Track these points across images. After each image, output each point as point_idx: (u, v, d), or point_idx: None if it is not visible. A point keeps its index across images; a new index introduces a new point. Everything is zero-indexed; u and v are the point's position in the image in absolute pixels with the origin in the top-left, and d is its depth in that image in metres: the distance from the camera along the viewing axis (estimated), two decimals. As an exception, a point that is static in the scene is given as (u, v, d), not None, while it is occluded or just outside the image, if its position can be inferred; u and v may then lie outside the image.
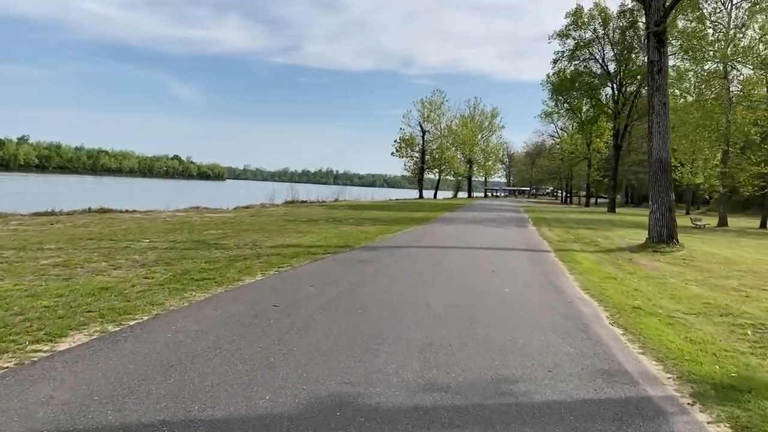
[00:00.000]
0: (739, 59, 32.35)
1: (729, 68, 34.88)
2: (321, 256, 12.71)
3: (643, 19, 49.04)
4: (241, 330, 6.07)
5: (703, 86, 36.10)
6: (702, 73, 36.51)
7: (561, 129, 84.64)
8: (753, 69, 33.51)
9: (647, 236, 18.24)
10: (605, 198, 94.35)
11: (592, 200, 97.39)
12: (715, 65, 35.71)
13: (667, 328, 7.22)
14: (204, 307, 7.11)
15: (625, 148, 72.77)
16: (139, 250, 12.50)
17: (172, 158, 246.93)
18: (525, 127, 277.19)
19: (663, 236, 17.57)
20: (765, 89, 34.95)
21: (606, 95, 55.06)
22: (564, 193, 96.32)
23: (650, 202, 18.14)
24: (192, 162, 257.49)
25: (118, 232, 16.28)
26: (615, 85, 51.05)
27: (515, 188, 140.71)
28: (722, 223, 35.23)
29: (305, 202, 48.02)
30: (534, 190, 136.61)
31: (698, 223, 33.60)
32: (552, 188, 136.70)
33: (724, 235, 28.45)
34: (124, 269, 9.71)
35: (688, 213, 54.88)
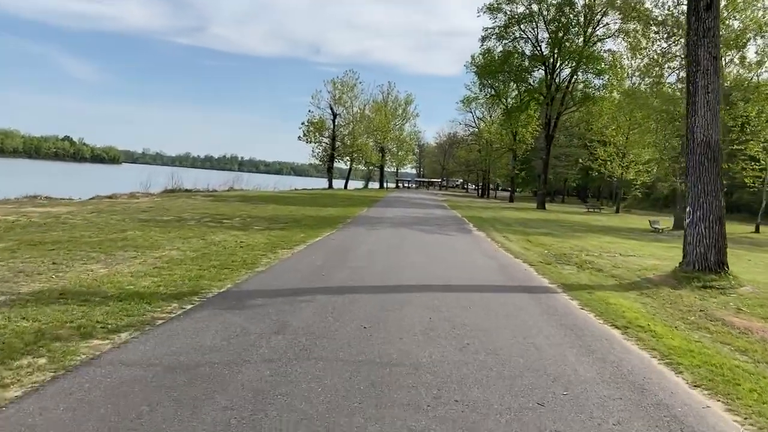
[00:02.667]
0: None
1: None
2: (97, 343, 5.16)
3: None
4: None
5: (658, 69, 31.22)
6: (656, 53, 31.64)
7: (479, 118, 79.94)
8: (726, 48, 28.84)
9: (683, 259, 12.03)
10: (512, 191, 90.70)
11: (506, 194, 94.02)
12: (674, 43, 30.90)
13: None
14: None
15: (542, 141, 69.05)
16: None
17: (63, 139, 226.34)
18: (433, 121, 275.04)
19: (709, 261, 11.40)
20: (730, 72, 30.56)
21: (536, 80, 50.06)
22: (481, 186, 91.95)
23: (689, 208, 11.91)
24: (84, 144, 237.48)
25: None
26: (548, 69, 45.98)
27: (426, 180, 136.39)
28: (679, 225, 30.57)
29: (189, 191, 39.46)
30: (445, 182, 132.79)
31: (656, 226, 28.70)
32: (462, 180, 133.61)
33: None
34: None
35: (617, 211, 51.25)
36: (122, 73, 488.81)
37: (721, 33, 29.62)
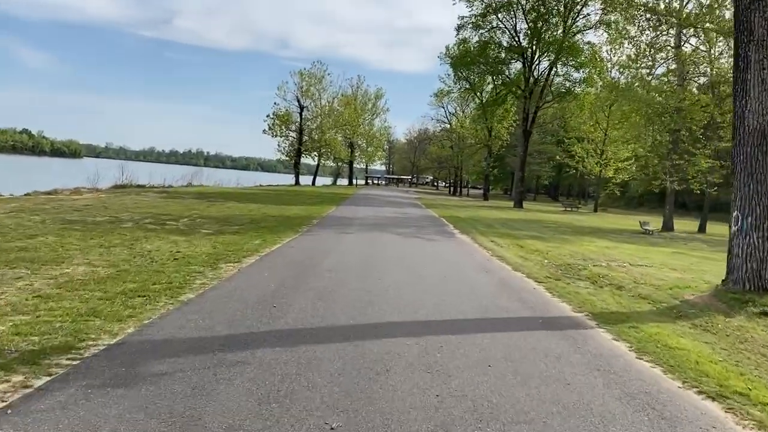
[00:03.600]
0: (707, 23, 25.62)
1: (683, 36, 28.36)
2: None
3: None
4: None
5: (648, 59, 29.29)
6: (645, 42, 29.69)
7: (452, 113, 77.78)
8: (717, 36, 27.08)
9: (728, 276, 9.75)
10: (487, 189, 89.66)
11: (478, 191, 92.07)
12: (664, 33, 29.03)
13: None
14: None
15: (516, 137, 67.22)
16: None
17: (21, 132, 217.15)
18: (402, 118, 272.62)
19: (764, 279, 9.16)
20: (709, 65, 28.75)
21: (513, 73, 47.93)
22: (452, 183, 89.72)
23: (736, 213, 9.60)
24: (44, 137, 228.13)
25: None
26: (526, 61, 43.87)
27: (396, 176, 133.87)
28: (668, 227, 28.78)
29: (143, 186, 36.27)
30: (415, 179, 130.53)
31: (647, 228, 26.78)
32: (432, 177, 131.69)
33: (717, 249, 21.39)
34: None
35: (595, 210, 49.65)
36: (85, 64, 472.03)
37: (719, 15, 27.96)
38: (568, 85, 43.91)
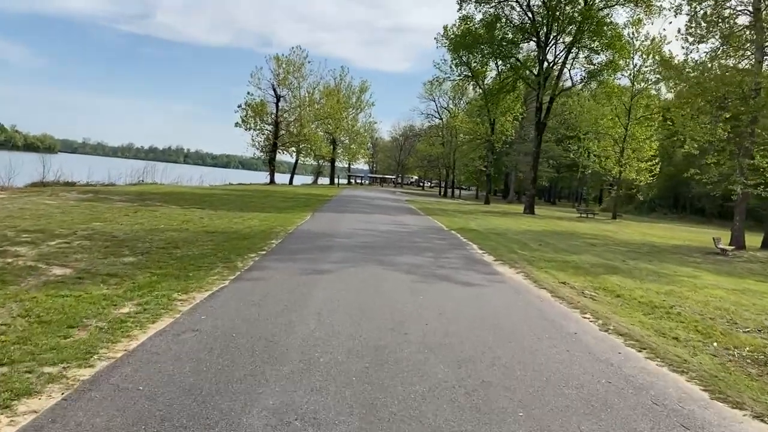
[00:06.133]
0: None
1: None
2: None
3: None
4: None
5: (718, 28, 22.65)
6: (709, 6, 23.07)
7: (444, 107, 70.92)
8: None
9: None
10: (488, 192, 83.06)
11: (470, 193, 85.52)
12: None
13: None
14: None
15: (518, 136, 60.88)
16: None
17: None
18: (384, 117, 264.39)
19: None
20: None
21: (523, 57, 41.21)
22: (444, 184, 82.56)
23: None
24: (17, 131, 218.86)
25: None
26: (540, 42, 37.16)
27: (379, 176, 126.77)
28: (740, 244, 22.19)
29: (73, 184, 29.08)
30: (400, 179, 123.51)
31: (722, 246, 20.22)
32: (418, 177, 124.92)
33: None
34: None
35: (614, 217, 43.05)
36: (63, 59, 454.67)
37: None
38: (591, 69, 37.21)
